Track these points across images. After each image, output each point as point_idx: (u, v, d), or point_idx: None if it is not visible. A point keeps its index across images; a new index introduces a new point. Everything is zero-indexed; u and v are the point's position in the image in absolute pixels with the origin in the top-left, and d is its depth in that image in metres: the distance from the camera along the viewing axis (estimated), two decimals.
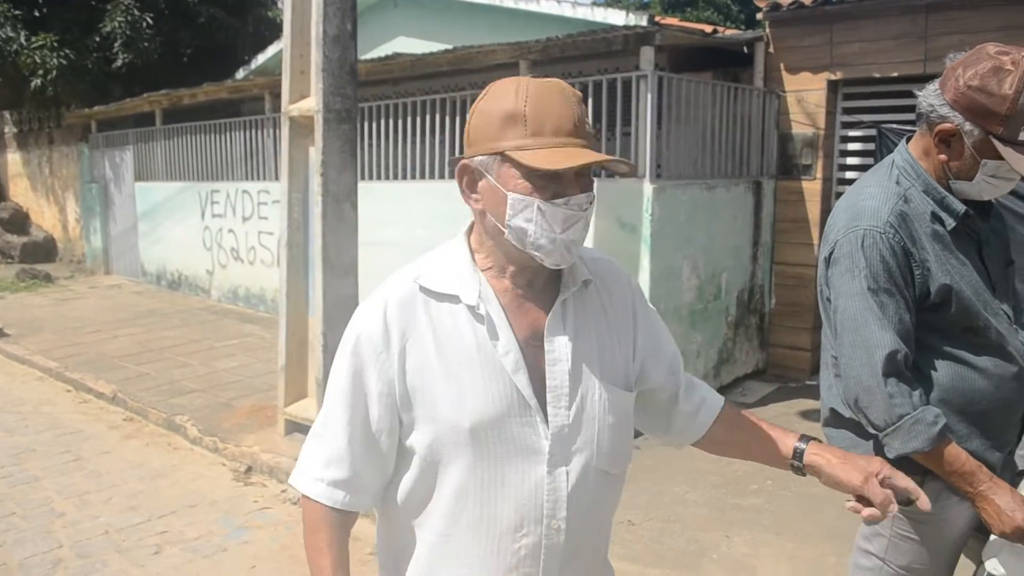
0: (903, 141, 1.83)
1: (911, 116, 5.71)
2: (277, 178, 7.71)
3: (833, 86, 6.17)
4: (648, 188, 5.25)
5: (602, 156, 1.14)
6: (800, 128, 6.33)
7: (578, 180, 1.18)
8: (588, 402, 1.25)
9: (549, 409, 1.22)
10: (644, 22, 5.65)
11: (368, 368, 1.22)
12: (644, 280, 5.28)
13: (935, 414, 1.62)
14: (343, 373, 1.25)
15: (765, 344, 6.65)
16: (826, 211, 6.28)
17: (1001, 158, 1.62)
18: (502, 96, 1.18)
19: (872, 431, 1.68)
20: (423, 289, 1.24)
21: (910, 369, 1.66)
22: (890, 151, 6.43)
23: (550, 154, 1.13)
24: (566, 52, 6.13)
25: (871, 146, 5.98)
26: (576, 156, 1.13)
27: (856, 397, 1.67)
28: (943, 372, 1.70)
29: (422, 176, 7.10)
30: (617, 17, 6.45)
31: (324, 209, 4.70)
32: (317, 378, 4.91)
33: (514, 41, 6.34)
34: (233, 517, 4.19)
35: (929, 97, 1.70)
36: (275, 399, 5.37)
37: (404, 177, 7.27)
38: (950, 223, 1.71)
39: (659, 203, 5.30)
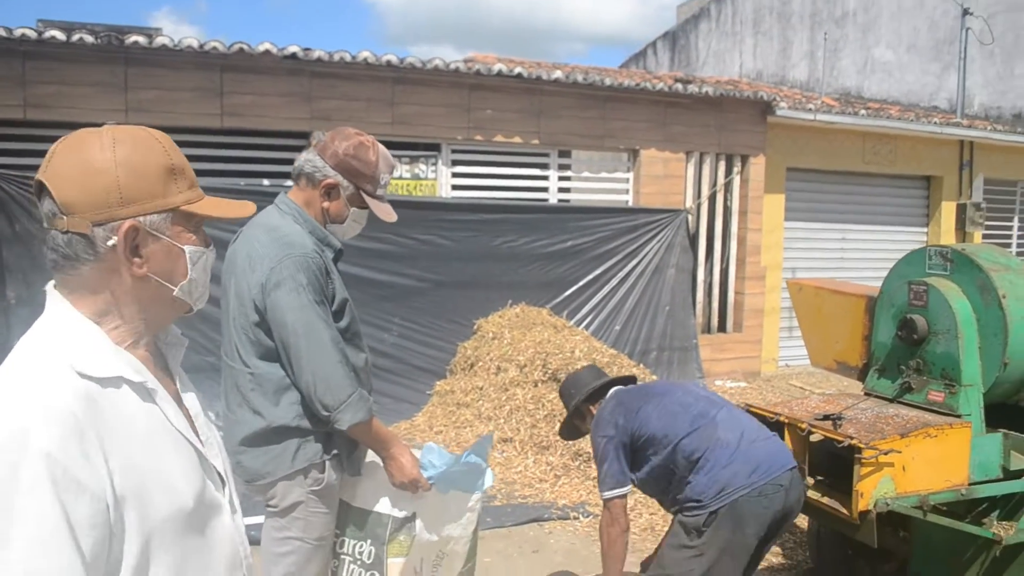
0: (283, 193, 2.29)
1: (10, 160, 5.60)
2: None
3: None
4: None
5: (252, 205, 1.24)
6: None
7: None
8: (219, 447, 1.25)
9: (213, 461, 1.19)
10: None
11: (72, 493, 0.93)
12: None
13: (365, 392, 2.12)
14: (44, 520, 0.91)
15: None
16: None
17: (364, 206, 2.30)
18: (144, 148, 1.10)
19: (325, 414, 2.05)
20: (85, 377, 1.03)
21: None
22: (8, 194, 5.75)
23: (216, 203, 1.17)
24: None
25: None
26: (236, 204, 1.21)
27: (315, 387, 2.04)
28: None
29: None
30: None
31: None
32: None
33: None
34: None
35: (314, 161, 2.25)
36: None
37: None
38: (329, 255, 2.23)
39: None
